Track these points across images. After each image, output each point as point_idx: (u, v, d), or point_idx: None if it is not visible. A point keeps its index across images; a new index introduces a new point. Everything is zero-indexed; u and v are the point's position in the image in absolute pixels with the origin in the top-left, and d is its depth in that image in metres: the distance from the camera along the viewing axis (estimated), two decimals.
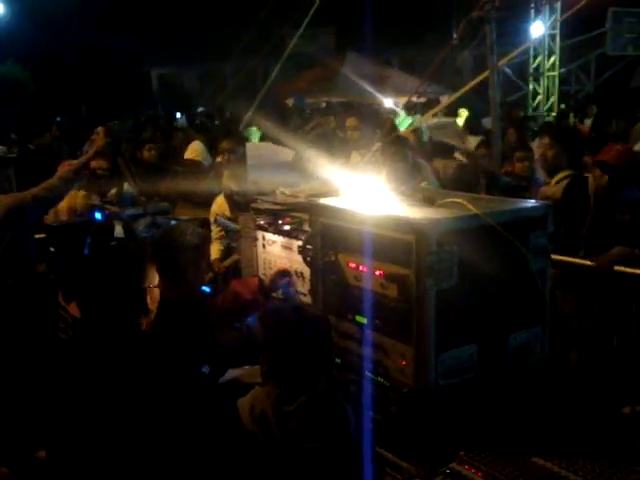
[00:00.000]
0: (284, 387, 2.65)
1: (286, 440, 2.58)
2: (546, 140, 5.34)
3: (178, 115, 20.16)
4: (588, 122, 13.27)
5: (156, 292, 2.79)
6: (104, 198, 5.90)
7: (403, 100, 15.54)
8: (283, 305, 3.06)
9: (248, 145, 5.41)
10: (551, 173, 5.29)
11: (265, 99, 15.10)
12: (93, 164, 5.78)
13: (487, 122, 8.83)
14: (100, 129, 6.06)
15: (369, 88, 18.62)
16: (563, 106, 15.65)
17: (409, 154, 5.69)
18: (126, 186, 5.89)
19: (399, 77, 20.09)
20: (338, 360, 3.14)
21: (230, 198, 5.59)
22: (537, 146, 5.39)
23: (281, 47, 17.60)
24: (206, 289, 3.70)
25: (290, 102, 20.27)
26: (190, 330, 3.22)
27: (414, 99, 14.66)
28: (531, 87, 15.42)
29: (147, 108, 23.16)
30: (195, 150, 9.25)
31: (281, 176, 4.61)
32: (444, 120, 8.97)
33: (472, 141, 7.93)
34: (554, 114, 14.61)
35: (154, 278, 2.69)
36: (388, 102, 18.55)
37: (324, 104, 19.29)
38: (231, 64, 18.08)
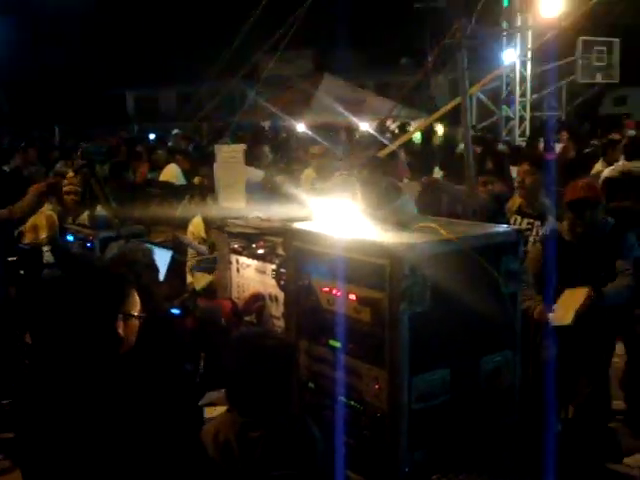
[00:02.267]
0: (248, 414, 2.63)
1: (249, 467, 2.56)
2: (525, 167, 5.31)
3: (152, 136, 20.13)
4: (559, 147, 13.51)
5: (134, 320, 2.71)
6: (77, 221, 5.86)
7: (378, 123, 15.71)
8: (246, 331, 3.04)
9: (217, 148, 5.32)
10: (530, 200, 5.29)
11: (242, 121, 15.18)
12: (65, 187, 5.74)
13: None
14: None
15: (345, 111, 18.76)
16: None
17: (386, 177, 5.73)
18: (99, 208, 5.84)
19: (374, 100, 20.28)
20: (312, 384, 3.14)
21: (205, 219, 5.58)
22: (516, 173, 5.35)
23: (258, 69, 17.71)
24: (175, 311, 3.68)
25: (266, 124, 20.35)
26: (156, 353, 3.16)
27: (388, 122, 14.83)
28: (504, 113, 15.64)
29: (122, 129, 23.07)
30: (171, 173, 9.24)
31: (251, 196, 4.62)
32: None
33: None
34: (526, 139, 14.85)
35: (134, 305, 2.59)
36: (364, 125, 18.70)
37: (301, 126, 19.39)
38: (208, 86, 18.09)
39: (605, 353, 4.65)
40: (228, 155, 4.98)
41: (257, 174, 6.26)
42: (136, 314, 2.54)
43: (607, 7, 11.96)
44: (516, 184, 5.34)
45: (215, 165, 5.10)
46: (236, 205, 4.52)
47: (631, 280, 4.50)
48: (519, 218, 5.26)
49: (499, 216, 5.19)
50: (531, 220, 5.22)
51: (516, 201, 5.37)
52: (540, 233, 5.06)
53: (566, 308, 4.45)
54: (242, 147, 5.06)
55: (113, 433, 2.28)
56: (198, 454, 2.50)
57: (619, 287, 4.47)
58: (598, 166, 8.70)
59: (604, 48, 17.86)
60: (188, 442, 2.50)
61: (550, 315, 4.51)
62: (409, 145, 10.70)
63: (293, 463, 2.57)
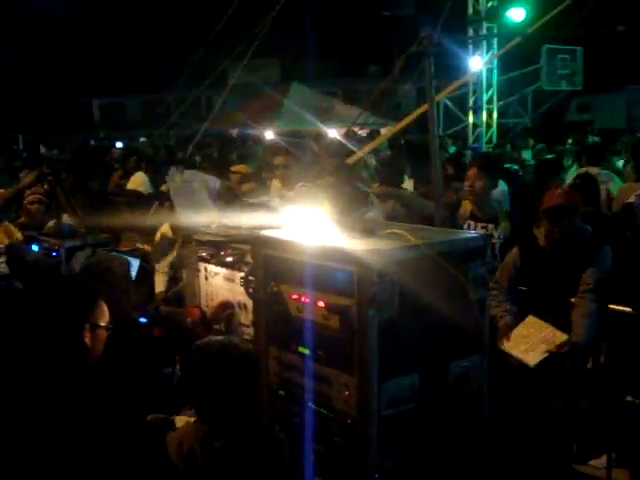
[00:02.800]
0: (212, 423, 2.61)
1: (214, 477, 2.54)
2: (475, 171, 5.31)
3: (119, 144, 19.96)
4: (525, 154, 13.69)
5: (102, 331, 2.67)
6: (42, 230, 5.78)
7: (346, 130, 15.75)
8: (209, 340, 3.02)
9: (169, 177, 5.14)
10: (480, 204, 5.30)
11: (210, 129, 15.12)
12: (30, 196, 5.67)
13: None
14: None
15: (313, 119, 18.80)
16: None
17: (355, 184, 5.74)
18: (65, 217, 5.77)
19: (343, 108, 20.38)
20: (282, 392, 3.12)
21: (173, 227, 5.54)
22: (466, 178, 5.33)
23: (225, 77, 17.65)
24: (143, 320, 3.65)
25: (234, 132, 20.32)
26: (123, 362, 3.12)
27: (356, 130, 14.89)
28: (471, 120, 15.81)
29: (89, 137, 22.85)
30: (137, 181, 9.18)
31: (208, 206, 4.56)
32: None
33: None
34: (492, 146, 15.03)
35: (102, 316, 2.55)
36: (332, 132, 18.75)
37: (269, 134, 19.39)
38: (175, 93, 18.02)
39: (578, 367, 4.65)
40: (181, 184, 4.87)
41: (214, 182, 6.22)
42: (104, 324, 2.51)
43: (569, 16, 12.16)
44: (466, 189, 5.33)
45: (171, 193, 4.96)
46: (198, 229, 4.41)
47: (593, 303, 4.47)
48: (473, 223, 5.28)
49: (451, 223, 5.13)
50: (484, 224, 5.25)
51: (467, 207, 5.37)
52: (495, 236, 5.07)
53: (532, 344, 4.40)
54: (195, 173, 4.92)
55: (79, 442, 2.25)
56: (162, 463, 2.48)
57: (589, 323, 4.44)
58: (573, 172, 8.84)
59: (568, 56, 18.19)
60: (152, 452, 2.48)
61: (506, 343, 4.51)
62: (379, 153, 10.75)
63: (258, 472, 2.56)
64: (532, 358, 4.35)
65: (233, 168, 7.70)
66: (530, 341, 4.41)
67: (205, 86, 15.54)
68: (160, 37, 30.38)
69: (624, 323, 4.46)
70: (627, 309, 4.41)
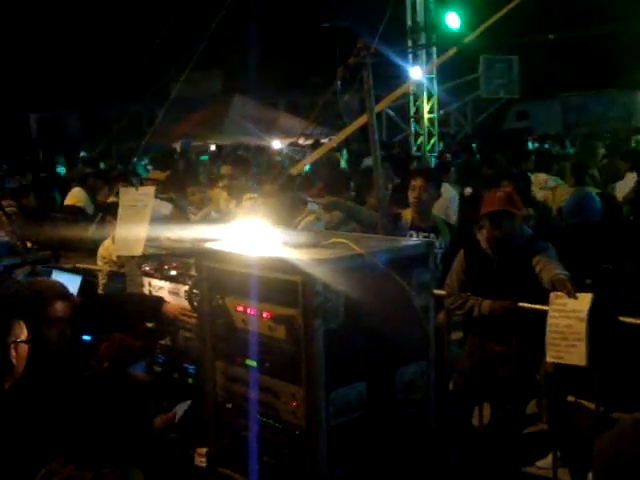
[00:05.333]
0: (91, 465, 2.35)
1: None
2: (420, 182, 5.37)
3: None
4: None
5: (23, 347, 2.60)
6: None
7: (290, 141, 15.81)
8: (90, 375, 2.89)
9: (122, 191, 4.84)
10: (423, 214, 5.37)
11: (151, 143, 14.90)
12: None
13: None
14: None
15: (257, 130, 18.79)
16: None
17: (296, 194, 5.75)
18: (2, 234, 5.63)
19: (285, 119, 20.42)
20: (229, 405, 3.10)
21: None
22: (410, 187, 5.38)
23: (167, 90, 17.47)
24: (86, 337, 3.58)
25: (177, 145, 20.12)
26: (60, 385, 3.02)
27: (301, 141, 14.91)
28: (413, 129, 16.00)
29: (26, 153, 22.31)
30: (76, 196, 9.01)
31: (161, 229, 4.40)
32: None
33: None
34: (435, 154, 15.25)
35: (21, 332, 2.52)
36: (276, 144, 18.77)
37: (213, 147, 19.29)
38: (115, 107, 17.76)
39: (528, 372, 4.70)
40: (134, 199, 4.55)
41: (165, 207, 6.09)
42: (24, 339, 2.53)
43: (504, 26, 12.47)
44: (411, 199, 5.38)
45: (119, 209, 4.69)
46: (132, 253, 4.23)
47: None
48: (414, 233, 5.33)
49: (395, 233, 5.13)
50: (426, 234, 5.31)
51: (408, 216, 5.43)
52: (437, 245, 5.12)
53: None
54: (151, 190, 4.63)
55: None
56: None
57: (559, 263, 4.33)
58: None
59: (505, 65, 18.61)
60: None
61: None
62: (326, 163, 10.80)
63: None
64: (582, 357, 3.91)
65: (149, 175, 7.60)
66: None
67: (146, 99, 15.36)
68: (100, 50, 29.95)
69: None
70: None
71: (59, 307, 3.18)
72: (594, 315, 3.86)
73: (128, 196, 4.61)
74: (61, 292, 3.29)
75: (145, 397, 2.56)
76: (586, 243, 5.77)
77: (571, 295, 3.92)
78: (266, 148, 17.89)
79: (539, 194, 7.89)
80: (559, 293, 3.99)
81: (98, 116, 20.93)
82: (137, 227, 4.38)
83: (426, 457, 3.09)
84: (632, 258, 4.62)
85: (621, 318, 3.95)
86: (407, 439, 3.03)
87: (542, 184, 8.29)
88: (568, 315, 3.89)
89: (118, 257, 5.40)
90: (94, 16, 29.91)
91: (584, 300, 3.88)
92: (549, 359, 4.02)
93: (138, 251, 4.16)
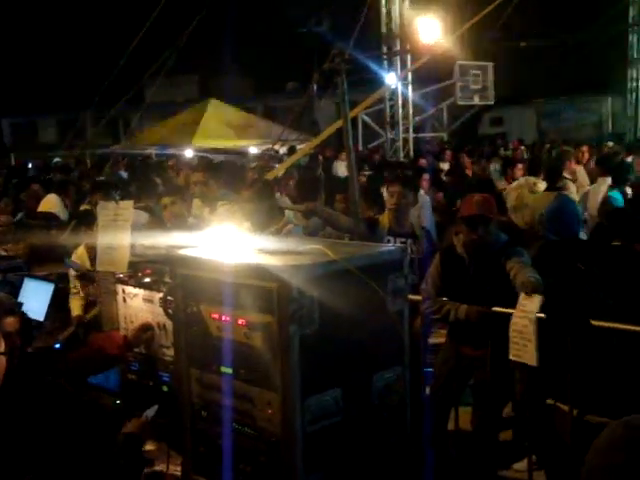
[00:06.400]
0: None
1: None
2: (397, 188, 5.40)
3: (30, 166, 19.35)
4: (444, 166, 14.03)
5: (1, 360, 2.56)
6: None
7: (266, 147, 15.79)
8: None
9: (101, 205, 4.67)
10: (400, 220, 5.40)
11: (127, 148, 14.85)
12: None
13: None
14: None
15: (233, 135, 18.75)
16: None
17: (274, 202, 5.75)
18: None
19: (262, 125, 20.38)
20: (205, 413, 3.08)
21: (89, 250, 5.40)
22: (388, 194, 5.42)
23: (142, 95, 17.39)
24: (56, 345, 3.55)
25: (153, 151, 20.04)
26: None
27: (277, 147, 14.94)
28: (389, 134, 16.09)
29: None
30: (50, 202, 8.93)
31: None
32: None
33: None
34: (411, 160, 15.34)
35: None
36: (252, 149, 18.74)
37: (189, 152, 19.19)
38: (91, 112, 17.62)
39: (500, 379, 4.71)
40: (114, 214, 4.38)
41: (142, 217, 6.03)
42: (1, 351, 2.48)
43: (479, 33, 12.60)
44: (390, 205, 5.41)
45: (99, 223, 4.54)
46: (116, 270, 4.09)
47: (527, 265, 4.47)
48: (392, 238, 5.36)
49: (373, 239, 5.14)
50: (403, 239, 5.34)
51: (385, 222, 5.46)
52: (414, 250, 5.16)
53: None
54: (130, 204, 4.46)
55: None
56: None
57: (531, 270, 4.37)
58: (501, 185, 9.16)
59: (479, 72, 18.81)
60: None
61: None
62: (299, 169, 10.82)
63: None
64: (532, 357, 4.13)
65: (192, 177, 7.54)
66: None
67: (121, 104, 15.28)
68: (76, 54, 29.71)
69: (543, 328, 4.60)
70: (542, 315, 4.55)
71: (8, 322, 3.13)
72: (564, 316, 3.99)
73: (108, 210, 4.46)
74: (9, 307, 3.23)
75: (81, 411, 2.58)
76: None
77: (527, 296, 4.07)
78: (243, 153, 17.85)
79: (529, 197, 7.97)
80: (524, 294, 4.13)
81: (73, 121, 20.75)
82: (119, 243, 4.23)
83: (402, 462, 3.09)
84: (600, 261, 4.68)
85: (595, 322, 3.99)
86: (383, 444, 3.03)
87: (532, 187, 8.38)
88: (526, 315, 4.07)
89: (92, 265, 5.36)
90: (69, 21, 29.67)
91: (535, 301, 4.06)
92: (510, 357, 4.17)
93: (122, 268, 4.05)
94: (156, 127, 20.56)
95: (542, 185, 8.33)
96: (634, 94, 23.27)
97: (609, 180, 8.27)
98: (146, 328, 3.65)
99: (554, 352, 4.16)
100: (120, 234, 4.21)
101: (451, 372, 4.84)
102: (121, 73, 14.44)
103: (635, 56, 22.86)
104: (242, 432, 2.91)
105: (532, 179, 8.69)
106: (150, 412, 3.31)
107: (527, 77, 26.58)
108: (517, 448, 4.93)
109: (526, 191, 8.16)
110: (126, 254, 4.10)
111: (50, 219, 8.01)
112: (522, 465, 4.78)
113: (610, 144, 16.31)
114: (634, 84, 23.16)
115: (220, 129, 18.62)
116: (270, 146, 14.87)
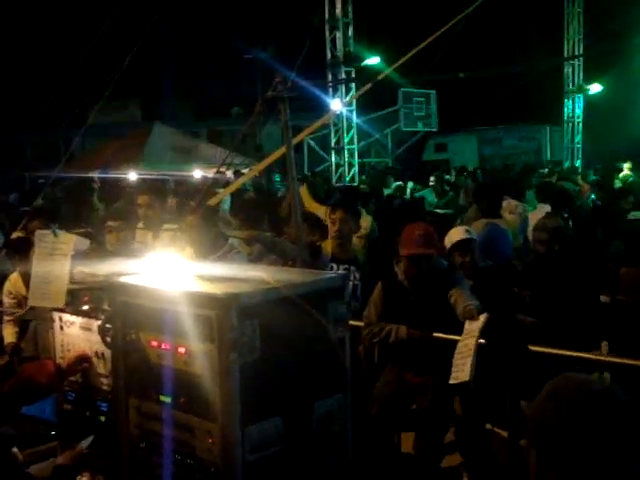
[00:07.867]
0: None
1: None
2: (340, 214, 5.42)
3: None
4: (387, 192, 14.20)
5: None
6: None
7: (211, 171, 15.72)
8: None
9: (39, 236, 4.42)
10: (343, 246, 5.42)
11: (68, 172, 14.56)
12: None
13: None
14: None
15: (178, 159, 18.61)
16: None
17: (218, 229, 5.71)
18: None
19: (207, 149, 20.31)
20: (143, 444, 3.02)
21: (24, 276, 5.26)
22: (331, 221, 5.43)
23: (85, 118, 17.10)
24: None
25: (95, 174, 19.71)
26: None
27: (223, 170, 14.88)
28: (333, 159, 16.23)
29: None
30: None
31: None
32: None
33: None
34: (355, 185, 15.49)
35: None
36: (197, 173, 18.63)
37: (132, 176, 18.95)
38: (31, 135, 17.28)
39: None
40: (52, 246, 4.10)
41: (83, 244, 5.86)
42: None
43: (423, 61, 12.83)
44: (332, 233, 5.44)
45: (35, 254, 4.22)
46: (51, 305, 3.86)
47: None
48: (335, 265, 5.38)
49: (317, 265, 5.15)
50: (346, 266, 5.37)
51: (328, 248, 5.48)
52: (357, 277, 5.20)
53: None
54: (71, 238, 4.16)
55: None
56: None
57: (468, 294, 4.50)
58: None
59: (423, 99, 19.18)
60: None
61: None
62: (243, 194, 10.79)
63: None
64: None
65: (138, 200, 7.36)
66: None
67: (63, 127, 15.04)
68: (16, 75, 29.16)
69: (485, 354, 4.67)
70: (482, 340, 4.62)
71: None
72: (502, 340, 4.10)
73: (46, 242, 4.16)
74: None
75: None
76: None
77: (474, 319, 4.16)
78: (186, 177, 17.72)
79: (508, 218, 8.07)
80: (468, 320, 4.22)
81: (12, 144, 20.30)
82: (56, 275, 3.96)
83: None
84: (531, 286, 4.83)
85: (531, 347, 4.08)
86: (324, 472, 3.02)
87: (512, 209, 8.50)
88: (469, 333, 4.14)
89: (28, 291, 5.19)
90: (9, 42, 29.13)
91: (480, 319, 4.20)
92: (450, 381, 4.22)
93: (58, 303, 3.83)
94: (99, 150, 20.27)
95: (521, 208, 8.44)
96: (570, 124, 24.10)
97: (547, 207, 8.50)
98: (82, 360, 3.57)
99: (492, 377, 4.23)
100: (57, 267, 3.97)
101: (393, 395, 4.87)
102: (63, 95, 14.23)
103: (570, 87, 23.73)
104: (181, 462, 2.86)
105: (513, 202, 8.76)
106: (85, 443, 3.23)
107: (469, 105, 27.21)
108: (457, 473, 4.97)
109: (506, 213, 8.20)
110: (63, 288, 3.86)
111: None
112: None
113: (545, 171, 16.81)
114: (570, 114, 23.99)
115: (164, 153, 18.47)
116: (216, 170, 14.80)
